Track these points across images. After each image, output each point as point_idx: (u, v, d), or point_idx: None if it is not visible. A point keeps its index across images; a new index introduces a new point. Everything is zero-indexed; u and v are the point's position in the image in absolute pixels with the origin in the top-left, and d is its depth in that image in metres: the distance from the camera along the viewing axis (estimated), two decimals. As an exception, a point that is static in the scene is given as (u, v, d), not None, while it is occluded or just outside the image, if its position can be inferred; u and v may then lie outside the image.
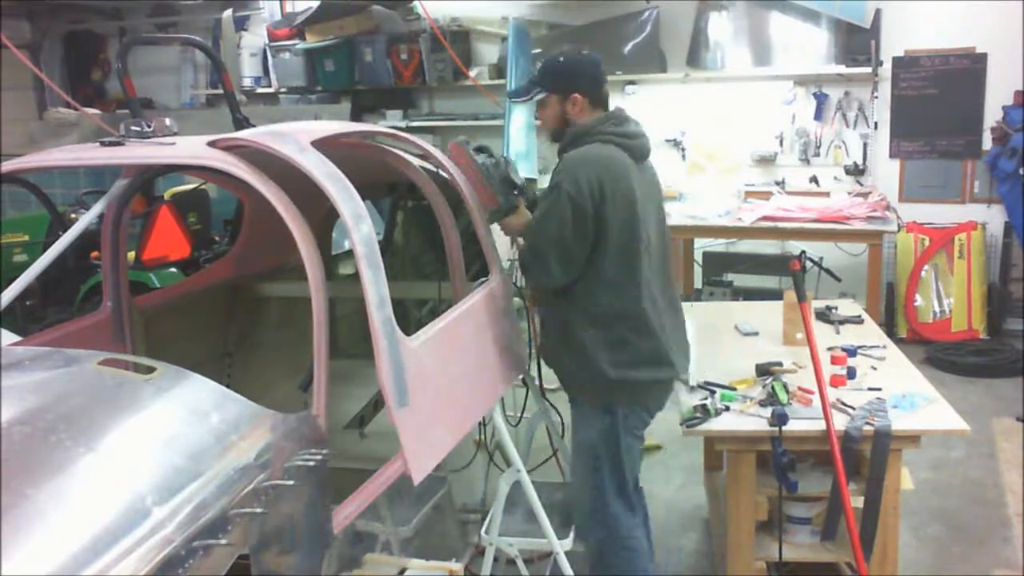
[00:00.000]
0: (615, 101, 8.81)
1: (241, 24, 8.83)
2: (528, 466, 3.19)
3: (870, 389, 3.19)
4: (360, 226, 2.29)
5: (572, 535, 3.14)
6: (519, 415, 3.64)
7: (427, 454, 2.34)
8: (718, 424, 3.01)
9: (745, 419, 2.99)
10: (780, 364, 3.33)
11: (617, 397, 2.85)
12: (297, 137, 2.43)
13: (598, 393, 2.86)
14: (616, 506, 2.92)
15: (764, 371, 3.29)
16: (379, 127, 3.32)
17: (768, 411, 2.95)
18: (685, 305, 4.59)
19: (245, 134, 2.47)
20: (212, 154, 2.43)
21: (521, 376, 3.32)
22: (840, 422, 2.92)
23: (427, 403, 2.38)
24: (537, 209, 2.85)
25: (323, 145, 2.51)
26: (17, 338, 2.74)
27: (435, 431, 2.44)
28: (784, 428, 2.87)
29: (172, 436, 1.79)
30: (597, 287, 2.79)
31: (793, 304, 3.63)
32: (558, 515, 3.20)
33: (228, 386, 2.02)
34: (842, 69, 6.98)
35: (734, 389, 3.19)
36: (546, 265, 2.74)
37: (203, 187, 5.46)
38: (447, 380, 2.58)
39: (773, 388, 3.12)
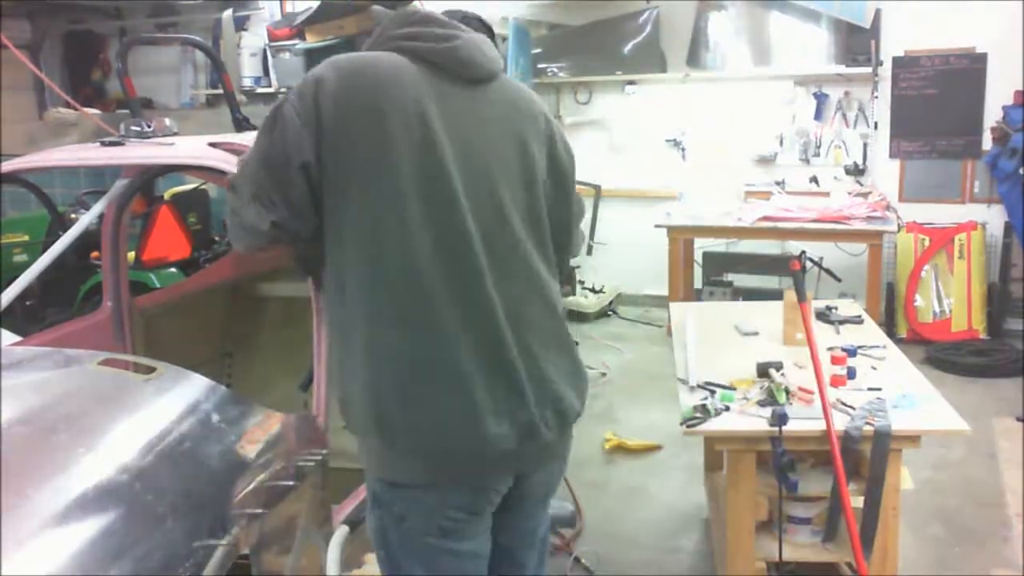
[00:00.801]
0: (615, 101, 8.81)
1: (241, 24, 8.83)
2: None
3: (870, 389, 3.18)
4: None
5: None
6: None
7: (352, 506, 2.35)
8: (718, 424, 3.01)
9: (745, 419, 2.99)
10: (780, 364, 3.32)
11: (379, 471, 1.78)
12: None
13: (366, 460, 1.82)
14: None
15: (764, 371, 3.29)
16: None
17: (768, 411, 2.95)
18: (686, 305, 4.57)
19: (245, 139, 2.45)
20: (212, 154, 2.43)
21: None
22: (840, 422, 2.92)
23: None
24: None
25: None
26: (17, 338, 2.74)
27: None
28: (784, 428, 2.87)
29: (172, 436, 1.79)
30: (336, 273, 1.76)
31: (793, 304, 3.63)
32: None
33: (228, 386, 2.03)
34: (842, 69, 6.98)
35: (734, 389, 3.19)
36: (238, 215, 1.74)
37: (203, 187, 5.46)
38: None
39: (771, 389, 3.12)
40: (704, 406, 3.06)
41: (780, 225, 6.37)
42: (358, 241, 1.70)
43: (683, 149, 7.58)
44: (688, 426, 3.00)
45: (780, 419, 2.84)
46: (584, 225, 2.04)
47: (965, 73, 6.79)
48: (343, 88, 1.70)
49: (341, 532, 1.93)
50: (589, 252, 7.87)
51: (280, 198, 1.69)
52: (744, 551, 3.11)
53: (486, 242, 1.74)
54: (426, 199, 1.69)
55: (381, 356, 1.70)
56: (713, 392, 3.18)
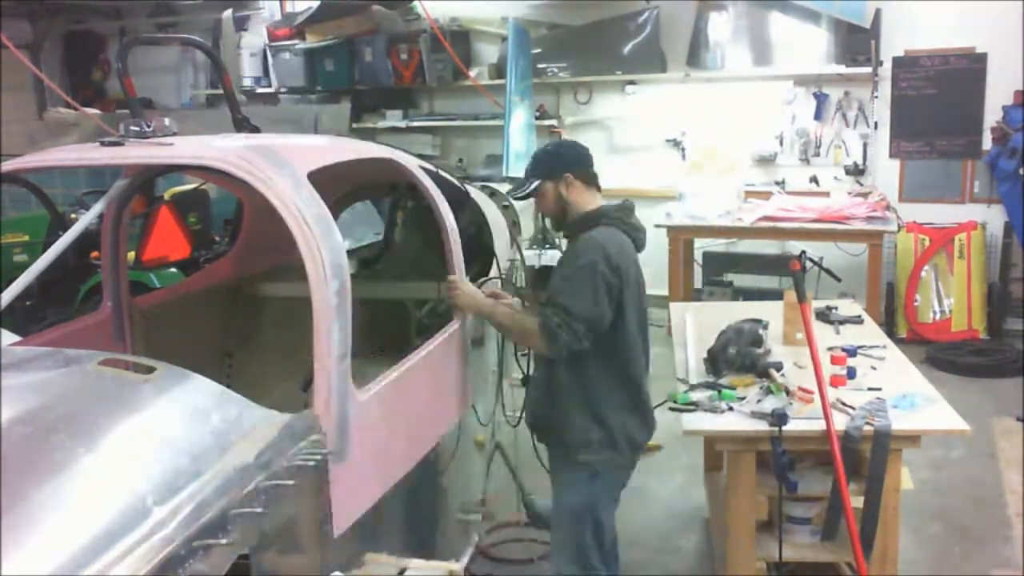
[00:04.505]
0: (615, 101, 8.77)
1: (241, 24, 8.84)
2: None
3: (870, 389, 3.19)
4: (337, 277, 2.22)
5: None
6: (519, 415, 3.63)
7: (354, 507, 2.30)
8: (718, 424, 3.01)
9: (745, 419, 2.99)
10: (780, 364, 3.33)
11: (605, 461, 2.90)
12: (295, 168, 2.38)
13: (591, 456, 2.89)
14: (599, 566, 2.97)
15: (764, 371, 3.30)
16: (374, 146, 3.29)
17: (768, 411, 2.95)
18: (687, 305, 4.60)
19: (243, 155, 2.38)
20: (212, 154, 2.43)
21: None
22: (840, 422, 2.92)
23: (365, 457, 2.33)
24: (561, 282, 2.87)
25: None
26: (17, 338, 2.74)
27: (366, 484, 2.39)
28: (784, 428, 2.87)
29: (172, 436, 1.79)
30: (614, 354, 2.88)
31: (793, 304, 3.62)
32: None
33: (228, 386, 2.02)
34: (842, 69, 6.98)
35: (734, 388, 3.19)
36: (577, 334, 2.76)
37: (203, 187, 5.46)
38: (389, 432, 2.53)
39: (771, 390, 3.13)
40: (697, 402, 3.08)
41: (780, 225, 6.38)
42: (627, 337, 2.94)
43: (683, 149, 7.58)
44: (673, 408, 3.06)
45: (780, 419, 2.85)
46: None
47: (965, 73, 6.79)
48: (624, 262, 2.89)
49: None
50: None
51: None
52: (744, 551, 3.11)
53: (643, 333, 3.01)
54: (642, 319, 3.00)
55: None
56: (714, 390, 3.18)
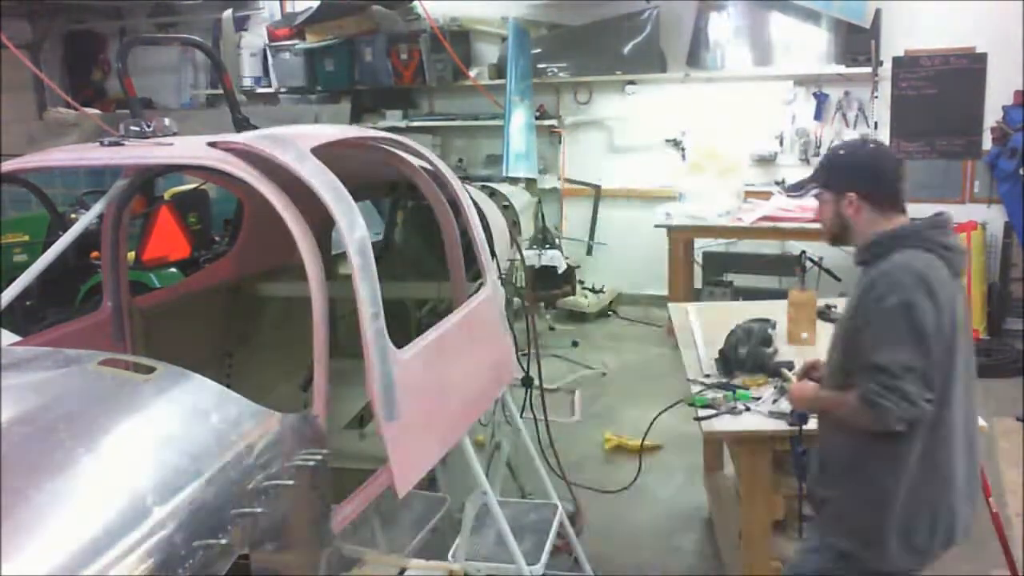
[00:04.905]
0: (615, 101, 8.76)
1: (241, 24, 8.84)
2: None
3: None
4: (355, 237, 2.27)
5: (543, 558, 3.09)
6: (519, 414, 3.64)
7: (413, 467, 2.33)
8: (738, 425, 2.99)
9: (764, 419, 2.97)
10: (792, 364, 3.32)
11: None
12: (297, 143, 2.43)
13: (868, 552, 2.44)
14: None
15: (776, 371, 3.29)
16: (378, 131, 3.32)
17: (787, 411, 2.93)
18: (687, 305, 4.56)
19: (245, 137, 2.46)
20: (212, 154, 2.43)
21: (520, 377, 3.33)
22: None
23: (415, 416, 2.36)
24: (870, 336, 2.29)
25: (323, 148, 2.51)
26: (17, 338, 2.74)
27: (422, 444, 2.42)
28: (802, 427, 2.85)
29: (172, 436, 1.79)
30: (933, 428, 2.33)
31: (798, 303, 3.62)
32: (528, 537, 3.16)
33: (228, 386, 2.02)
34: (842, 69, 6.98)
35: (747, 388, 3.18)
36: (910, 397, 2.21)
37: (203, 187, 5.46)
38: (436, 392, 2.56)
39: (784, 389, 3.12)
40: (713, 402, 3.07)
41: (780, 225, 6.38)
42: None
43: (683, 149, 7.57)
44: (697, 418, 3.00)
45: (800, 418, 2.83)
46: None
47: (965, 73, 6.79)
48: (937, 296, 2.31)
49: None
50: (589, 252, 7.88)
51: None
52: (759, 551, 3.09)
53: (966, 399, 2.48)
54: (955, 369, 2.39)
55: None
56: (729, 390, 3.17)
